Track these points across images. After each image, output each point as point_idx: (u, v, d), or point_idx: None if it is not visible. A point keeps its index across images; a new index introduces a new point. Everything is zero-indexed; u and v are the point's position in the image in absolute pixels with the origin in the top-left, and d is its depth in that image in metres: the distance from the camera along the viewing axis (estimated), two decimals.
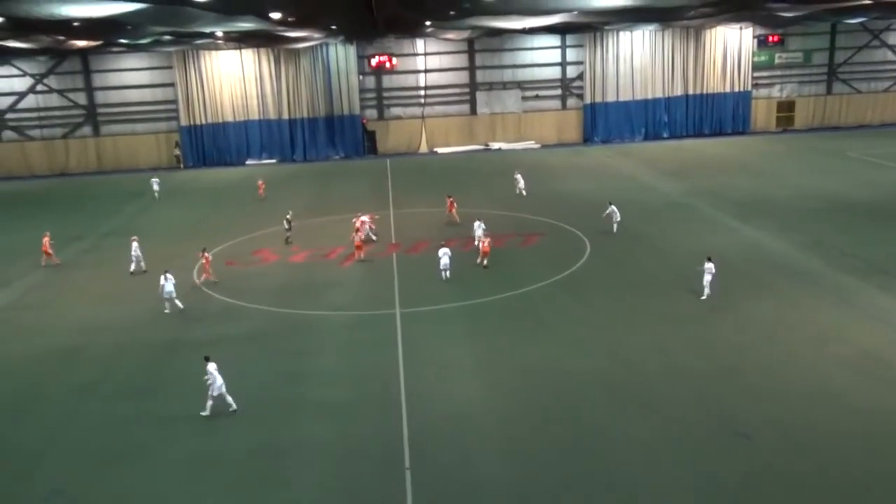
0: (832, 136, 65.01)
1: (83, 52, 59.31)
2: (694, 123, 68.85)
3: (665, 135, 68.27)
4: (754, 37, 67.50)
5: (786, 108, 70.49)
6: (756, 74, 68.91)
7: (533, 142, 67.70)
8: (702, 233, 35.26)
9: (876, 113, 70.75)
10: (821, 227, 35.29)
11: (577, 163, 57.26)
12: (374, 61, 64.78)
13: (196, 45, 58.88)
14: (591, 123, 68.05)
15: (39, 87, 63.26)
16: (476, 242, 33.16)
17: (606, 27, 62.02)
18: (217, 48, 61.71)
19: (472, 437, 18.20)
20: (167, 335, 25.72)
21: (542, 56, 67.31)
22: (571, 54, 67.39)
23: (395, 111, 67.50)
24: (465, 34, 60.28)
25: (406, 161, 62.73)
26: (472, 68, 67.08)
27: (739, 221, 37.03)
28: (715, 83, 68.02)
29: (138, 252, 32.95)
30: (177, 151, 64.45)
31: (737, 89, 68.28)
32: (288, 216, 36.62)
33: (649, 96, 67.64)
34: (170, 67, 63.29)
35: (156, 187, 50.68)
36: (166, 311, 27.67)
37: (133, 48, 57.61)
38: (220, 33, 50.66)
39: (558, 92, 68.39)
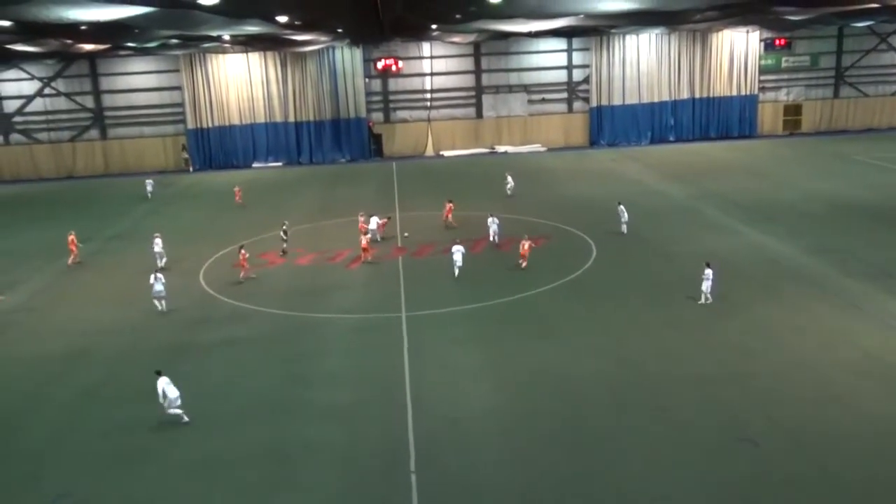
0: (839, 140, 64.79)
1: (91, 56, 59.53)
2: (700, 127, 68.72)
3: (671, 138, 68.17)
4: (761, 40, 67.37)
5: (793, 112, 70.28)
6: (763, 78, 68.74)
7: (539, 145, 67.65)
8: (708, 236, 35.17)
9: (884, 116, 70.47)
10: (828, 231, 35.17)
11: (583, 166, 57.21)
12: (380, 64, 64.96)
13: (203, 48, 59.06)
14: (597, 127, 67.98)
15: (47, 91, 63.56)
16: (492, 238, 34.86)
17: (613, 31, 61.96)
18: (224, 51, 61.92)
19: (478, 440, 18.18)
20: (174, 338, 25.77)
21: (548, 59, 67.28)
22: (578, 58, 67.35)
23: (402, 114, 67.56)
24: (472, 37, 60.31)
25: (412, 164, 62.78)
26: (478, 72, 67.12)
27: (746, 225, 36.92)
28: (721, 87, 67.89)
29: (160, 248, 33.82)
30: (185, 154, 64.65)
31: (743, 93, 68.13)
32: (284, 226, 36.06)
33: (656, 100, 67.53)
34: (177, 71, 63.54)
35: (149, 188, 52.27)
36: (160, 309, 28.10)
37: (140, 52, 57.89)
38: (226, 37, 50.81)
39: (564, 95, 68.36)
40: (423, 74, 66.56)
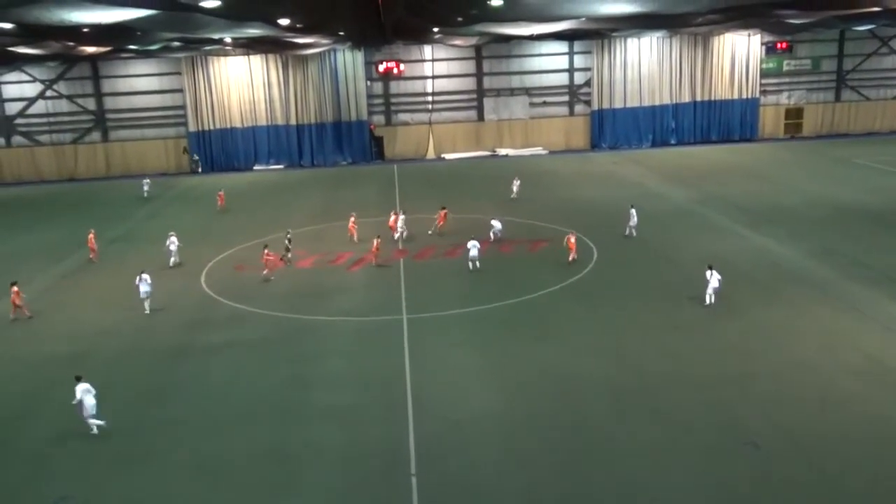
0: (841, 144, 64.80)
1: (93, 58, 59.63)
2: (702, 130, 68.75)
3: (672, 141, 68.19)
4: (762, 43, 67.41)
5: (794, 115, 70.28)
6: (764, 81, 68.78)
7: (540, 148, 67.68)
8: (709, 239, 35.17)
9: (885, 120, 70.45)
10: (829, 235, 35.16)
11: (584, 169, 57.22)
12: (381, 67, 65.05)
13: (205, 51, 59.10)
14: (598, 130, 68.02)
15: (49, 93, 63.65)
16: (492, 239, 35.59)
17: (614, 34, 62.00)
18: (225, 54, 61.98)
19: (478, 442, 18.18)
20: (176, 340, 25.78)
21: (549, 62, 67.34)
22: (579, 61, 67.41)
23: (403, 117, 67.63)
24: (473, 40, 60.34)
25: (413, 167, 62.82)
26: (479, 74, 67.18)
27: (747, 228, 36.91)
28: (723, 90, 67.91)
29: (175, 247, 34.47)
30: (195, 156, 64.72)
31: (745, 96, 68.15)
32: (288, 235, 35.54)
33: (657, 103, 67.59)
34: (178, 73, 63.63)
35: (146, 188, 53.77)
36: (146, 311, 28.27)
37: (142, 54, 57.94)
38: (228, 39, 50.87)
39: (566, 98, 68.39)
40: (425, 77, 66.63)
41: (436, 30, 51.89)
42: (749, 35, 66.09)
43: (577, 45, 66.62)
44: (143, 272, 28.95)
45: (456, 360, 23.06)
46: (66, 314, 29.10)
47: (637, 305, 26.91)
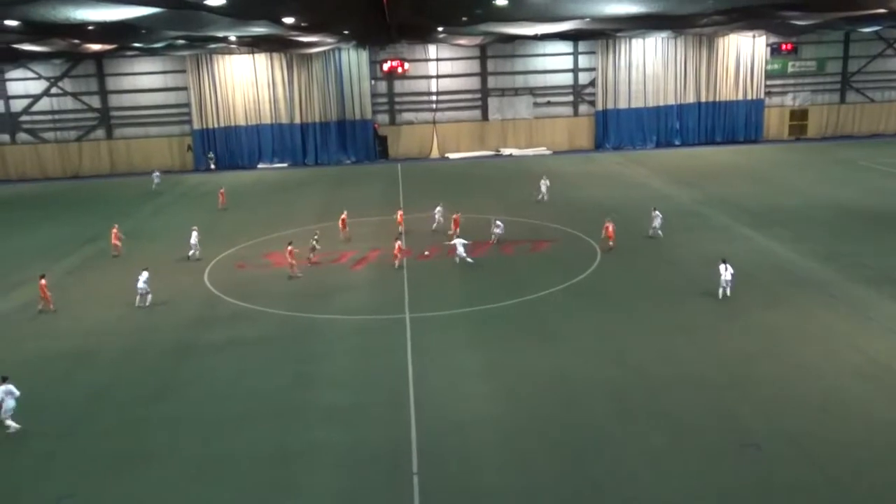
0: (845, 145, 64.66)
1: (97, 56, 59.75)
2: (706, 131, 68.69)
3: (677, 142, 68.14)
4: (767, 45, 67.35)
5: (799, 117, 70.19)
6: (769, 83, 68.71)
7: (544, 148, 67.66)
8: (713, 240, 35.07)
9: (890, 122, 70.39)
10: (833, 237, 35.08)
11: (588, 170, 57.17)
12: (386, 66, 65.11)
13: (209, 49, 59.24)
14: (602, 130, 67.98)
15: (54, 90, 63.83)
16: (493, 241, 35.44)
17: (619, 34, 61.99)
18: (230, 52, 62.11)
19: (481, 443, 18.15)
20: (179, 338, 25.79)
21: (553, 62, 67.34)
22: (583, 61, 67.38)
23: (407, 116, 67.66)
24: (478, 40, 60.37)
25: (417, 166, 62.81)
26: (483, 74, 67.18)
27: (751, 230, 36.85)
28: (727, 91, 67.85)
29: (196, 240, 35.04)
30: (210, 154, 64.74)
31: (749, 97, 68.08)
32: (315, 237, 34.97)
33: (661, 103, 67.55)
34: (183, 71, 63.73)
35: (156, 180, 54.89)
36: (137, 305, 28.72)
37: (147, 52, 58.09)
38: (233, 38, 50.97)
39: (570, 98, 68.38)
40: (429, 77, 66.68)
41: (440, 29, 51.92)
42: (754, 36, 66.01)
43: (582, 46, 66.61)
44: (144, 270, 29.30)
45: (458, 359, 23.03)
46: (70, 312, 29.08)
47: (639, 306, 26.86)
